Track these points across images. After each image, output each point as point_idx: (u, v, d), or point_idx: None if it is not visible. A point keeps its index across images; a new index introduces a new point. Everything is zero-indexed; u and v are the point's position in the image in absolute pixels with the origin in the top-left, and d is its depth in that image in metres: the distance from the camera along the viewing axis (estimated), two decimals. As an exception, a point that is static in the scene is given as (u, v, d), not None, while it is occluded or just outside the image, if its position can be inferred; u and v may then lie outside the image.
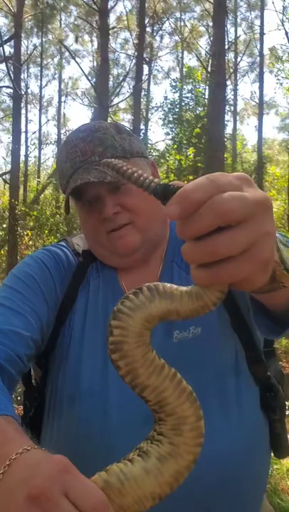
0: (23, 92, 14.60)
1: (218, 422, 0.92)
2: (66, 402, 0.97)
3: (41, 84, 20.05)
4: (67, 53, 20.64)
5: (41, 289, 1.00)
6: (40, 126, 19.54)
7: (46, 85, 22.07)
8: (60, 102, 21.66)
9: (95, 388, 0.95)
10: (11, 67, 10.16)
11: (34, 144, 19.69)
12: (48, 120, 22.26)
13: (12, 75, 10.46)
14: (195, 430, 0.51)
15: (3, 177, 11.94)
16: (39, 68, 19.72)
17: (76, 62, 14.85)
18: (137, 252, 1.01)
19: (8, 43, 10.93)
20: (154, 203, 1.00)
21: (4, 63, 9.35)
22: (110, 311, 0.95)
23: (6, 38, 10.26)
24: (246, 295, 0.98)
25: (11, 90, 11.53)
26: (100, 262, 1.07)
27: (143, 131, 14.90)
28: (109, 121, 10.43)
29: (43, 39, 19.05)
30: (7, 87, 12.48)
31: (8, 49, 11.44)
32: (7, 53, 10.88)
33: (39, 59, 19.47)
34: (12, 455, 0.55)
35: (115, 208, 0.97)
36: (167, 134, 14.49)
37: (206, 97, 13.52)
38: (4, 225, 13.88)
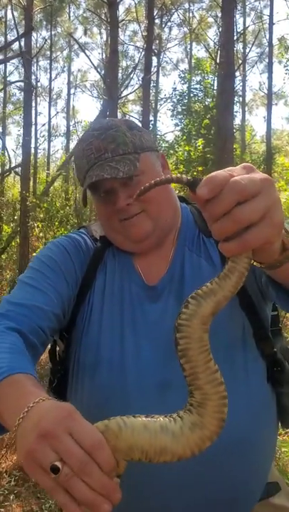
0: (36, 86, 14.74)
1: (230, 395, 1.02)
2: (88, 370, 1.07)
3: (51, 77, 20.13)
4: (76, 46, 20.70)
5: (62, 270, 1.11)
6: (49, 119, 19.65)
7: (56, 78, 22.17)
8: (69, 94, 21.75)
9: (114, 357, 1.04)
10: (21, 61, 10.26)
11: (43, 136, 19.81)
12: (58, 112, 22.37)
13: (25, 69, 10.57)
14: (217, 407, 0.63)
15: (15, 169, 12.02)
16: (48, 61, 19.77)
17: (86, 54, 14.93)
18: (149, 238, 1.10)
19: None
20: (164, 193, 1.12)
21: (21, 57, 9.44)
22: (125, 290, 1.10)
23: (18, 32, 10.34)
24: (257, 278, 1.06)
25: (22, 84, 11.63)
26: (116, 246, 1.17)
27: (152, 122, 14.91)
28: (118, 112, 10.48)
29: (52, 32, 19.08)
30: (19, 81, 12.55)
31: (17, 43, 11.52)
32: (17, 47, 10.99)
33: (48, 52, 19.50)
34: (30, 403, 0.68)
35: (128, 200, 1.06)
36: (176, 125, 14.54)
37: (215, 87, 13.53)
38: (15, 217, 14.02)
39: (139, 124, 1.21)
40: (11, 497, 3.14)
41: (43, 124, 20.07)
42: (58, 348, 1.19)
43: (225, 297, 0.63)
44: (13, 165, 16.31)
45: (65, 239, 1.19)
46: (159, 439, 0.59)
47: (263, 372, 1.08)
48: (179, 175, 0.66)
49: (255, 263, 0.75)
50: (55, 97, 21.12)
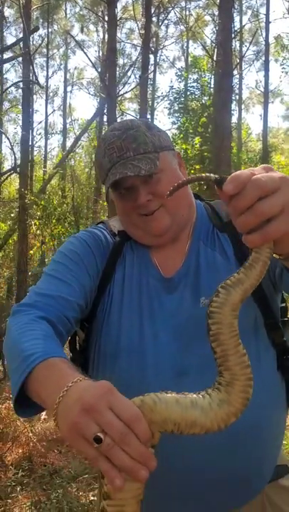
0: (39, 83, 14.71)
1: None
2: (109, 358, 1.12)
3: (47, 74, 20.11)
4: (72, 44, 20.70)
5: (84, 262, 1.17)
6: (46, 116, 19.64)
7: (52, 76, 22.10)
8: (65, 92, 21.75)
9: (134, 346, 1.10)
10: (20, 59, 10.28)
11: (40, 133, 19.82)
12: (54, 110, 22.36)
13: (28, 67, 10.57)
14: (244, 387, 0.70)
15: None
16: (45, 59, 19.78)
17: (84, 51, 14.94)
18: (168, 233, 1.16)
19: (16, 35, 11.02)
20: (180, 190, 1.18)
21: (28, 56, 9.45)
22: (143, 283, 1.17)
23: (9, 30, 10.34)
24: (270, 271, 1.11)
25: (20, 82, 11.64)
26: (134, 240, 1.23)
27: (149, 120, 14.96)
28: (117, 111, 10.51)
29: (49, 30, 19.08)
30: (21, 81, 12.53)
31: (12, 39, 11.54)
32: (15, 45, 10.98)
33: (45, 49, 19.51)
34: (69, 382, 0.75)
35: (148, 196, 1.12)
36: (173, 123, 14.60)
37: (212, 86, 13.58)
38: (12, 214, 14.02)
39: None
40: (18, 488, 3.22)
41: (40, 122, 20.10)
42: (77, 338, 1.25)
43: (251, 285, 0.70)
44: (8, 163, 16.31)
45: (86, 233, 1.25)
46: (189, 413, 0.66)
47: (274, 360, 1.14)
48: (207, 174, 0.74)
49: (274, 255, 0.81)
50: (51, 94, 21.13)
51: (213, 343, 0.70)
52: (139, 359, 1.08)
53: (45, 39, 18.85)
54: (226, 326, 0.70)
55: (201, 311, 1.08)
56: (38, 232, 13.62)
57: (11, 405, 1.18)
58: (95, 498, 3.05)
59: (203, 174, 0.74)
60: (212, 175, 0.73)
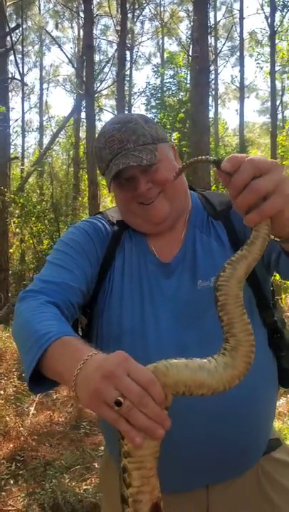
0: (23, 80, 14.56)
1: None
2: (112, 341, 1.17)
3: (23, 71, 19.93)
4: (47, 40, 20.56)
5: (85, 250, 1.23)
6: (23, 114, 19.49)
7: (28, 73, 21.91)
8: (41, 89, 21.60)
9: (136, 328, 1.16)
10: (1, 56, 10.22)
11: (16, 131, 19.66)
12: (31, 107, 22.18)
13: (16, 63, 10.46)
14: (247, 352, 0.78)
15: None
16: (20, 56, 19.58)
17: (60, 48, 14.86)
18: (167, 220, 1.22)
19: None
20: (178, 178, 1.25)
21: (12, 52, 9.38)
22: (142, 268, 1.24)
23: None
24: (264, 257, 1.18)
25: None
26: (131, 229, 1.29)
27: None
28: (95, 107, 10.51)
29: (23, 26, 18.89)
30: (12, 78, 12.38)
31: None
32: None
33: (20, 46, 19.32)
34: (85, 356, 0.83)
35: (147, 185, 1.18)
36: (151, 119, 14.64)
37: (188, 81, 13.67)
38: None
39: None
40: (12, 481, 3.26)
41: (16, 119, 19.92)
42: (79, 324, 1.30)
43: (254, 259, 0.79)
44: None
45: (85, 223, 1.31)
46: (198, 375, 0.73)
47: (265, 338, 1.22)
48: (206, 156, 0.85)
49: (274, 237, 0.90)
50: (27, 92, 20.96)
51: (220, 312, 0.78)
52: (142, 340, 1.14)
53: (20, 36, 18.70)
54: (232, 296, 0.77)
55: (198, 294, 1.17)
56: (18, 230, 13.55)
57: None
58: (89, 487, 3.12)
59: (203, 157, 0.83)
60: (210, 157, 0.83)
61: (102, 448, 3.56)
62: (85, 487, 3.13)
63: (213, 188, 9.97)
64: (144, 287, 1.21)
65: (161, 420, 0.73)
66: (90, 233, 1.27)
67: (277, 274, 1.29)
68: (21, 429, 3.83)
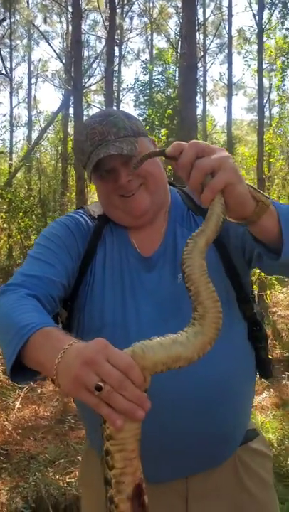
0: (7, 74, 14.44)
1: (216, 347, 1.18)
2: (93, 333, 1.15)
3: (11, 66, 19.76)
4: (36, 35, 20.40)
5: (66, 244, 1.25)
6: (11, 109, 19.32)
7: (16, 67, 21.73)
8: (30, 84, 21.42)
9: (117, 320, 1.18)
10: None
11: (5, 126, 19.51)
12: (19, 102, 22.02)
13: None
14: (214, 318, 0.81)
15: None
16: (8, 50, 19.40)
17: (48, 42, 14.77)
18: (148, 213, 1.25)
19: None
20: (157, 169, 1.29)
21: None
22: (124, 262, 1.28)
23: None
24: (246, 251, 1.21)
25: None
26: (112, 223, 1.31)
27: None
28: (83, 103, 10.47)
29: (11, 19, 18.73)
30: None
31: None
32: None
33: (8, 40, 19.15)
34: (66, 345, 0.85)
35: (128, 177, 1.20)
36: (139, 115, 14.62)
37: (177, 78, 13.67)
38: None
39: None
40: (-5, 475, 3.28)
41: (4, 115, 19.76)
42: (59, 318, 1.32)
43: (212, 232, 0.87)
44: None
45: (67, 218, 1.33)
46: (173, 351, 0.76)
47: (244, 331, 1.25)
48: (157, 149, 0.98)
49: (238, 222, 1.00)
50: (16, 86, 20.80)
51: (187, 283, 0.83)
52: (123, 332, 1.16)
53: (8, 29, 18.54)
54: (197, 267, 0.83)
55: (179, 287, 1.18)
56: (5, 225, 13.46)
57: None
58: (72, 481, 3.15)
59: (154, 150, 0.98)
60: (158, 150, 0.97)
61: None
62: (68, 480, 3.16)
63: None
64: (125, 281, 1.23)
65: (141, 402, 0.76)
66: (72, 228, 1.29)
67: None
68: (6, 423, 3.84)
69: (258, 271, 6.87)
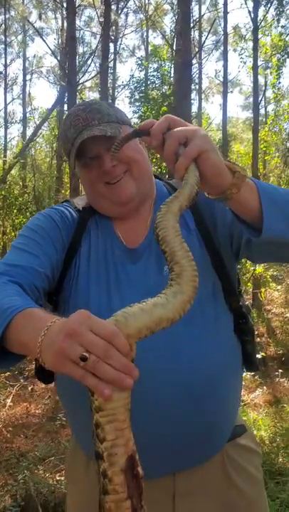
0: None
1: (203, 339, 1.16)
2: None
3: (6, 62, 19.65)
4: (30, 31, 20.30)
5: (50, 236, 1.23)
6: (5, 105, 19.23)
7: (11, 63, 21.62)
8: (24, 80, 21.31)
9: (103, 312, 1.17)
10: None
11: (-1, 122, 19.43)
12: (14, 99, 21.90)
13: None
14: (191, 276, 0.81)
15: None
16: (3, 46, 19.31)
17: (43, 39, 14.71)
18: (133, 201, 1.24)
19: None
20: (141, 156, 1.29)
21: None
22: (109, 254, 1.25)
23: None
24: (234, 241, 1.21)
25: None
26: (98, 215, 1.30)
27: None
28: (77, 99, 10.44)
29: (6, 16, 18.63)
30: None
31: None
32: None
33: (2, 36, 19.06)
34: (48, 323, 0.83)
35: (113, 162, 1.19)
36: (134, 112, 14.56)
37: (172, 75, 13.62)
38: None
39: None
40: (-16, 474, 3.25)
41: (-1, 111, 19.66)
42: None
43: (185, 200, 0.89)
44: None
45: (51, 210, 1.31)
46: (155, 314, 0.75)
47: (231, 323, 1.24)
48: (130, 132, 1.02)
49: (218, 197, 1.00)
50: (10, 83, 20.67)
51: (162, 245, 0.84)
52: None
53: (2, 25, 18.46)
54: (170, 228, 0.85)
55: (165, 279, 1.18)
56: (-1, 222, 13.43)
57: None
58: (62, 478, 3.12)
59: (128, 133, 1.02)
60: (132, 131, 1.02)
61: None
62: (58, 478, 3.14)
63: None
64: (110, 272, 1.21)
65: (129, 370, 0.74)
66: (56, 220, 1.27)
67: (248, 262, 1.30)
68: (-4, 420, 3.82)
69: (252, 268, 6.87)
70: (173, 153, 0.91)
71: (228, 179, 0.96)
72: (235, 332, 1.25)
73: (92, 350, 0.72)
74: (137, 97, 14.54)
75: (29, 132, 19.60)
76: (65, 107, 15.97)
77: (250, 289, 7.48)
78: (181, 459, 1.17)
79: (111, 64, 16.18)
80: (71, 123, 1.22)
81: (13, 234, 12.89)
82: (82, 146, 1.19)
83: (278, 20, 12.93)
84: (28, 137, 18.24)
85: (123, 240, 1.26)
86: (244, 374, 1.38)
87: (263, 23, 12.43)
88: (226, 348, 1.21)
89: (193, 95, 15.25)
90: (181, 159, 0.90)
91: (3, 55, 19.39)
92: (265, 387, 4.82)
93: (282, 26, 13.26)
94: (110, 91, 16.46)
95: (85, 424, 1.20)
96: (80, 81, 13.40)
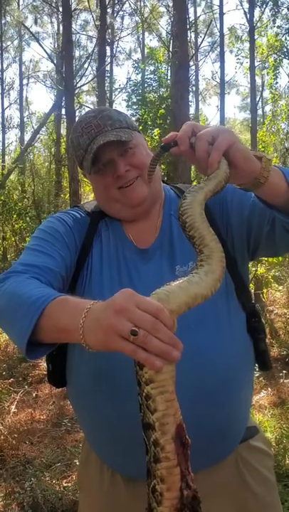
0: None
1: (216, 337, 1.17)
2: None
3: (2, 67, 19.68)
4: (26, 35, 20.32)
5: (63, 237, 1.26)
6: (2, 110, 19.26)
7: (7, 68, 21.61)
8: (21, 85, 21.31)
9: None
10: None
11: (-4, 128, 19.42)
12: (11, 104, 21.91)
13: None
14: (220, 257, 0.88)
15: None
16: (-1, 51, 19.30)
17: (39, 43, 14.72)
18: (145, 203, 1.27)
19: None
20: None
21: None
22: (120, 255, 1.26)
23: None
24: (253, 233, 1.23)
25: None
26: (107, 218, 1.32)
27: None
28: (75, 103, 10.44)
29: (2, 21, 18.65)
30: None
31: None
32: None
33: (-2, 41, 19.06)
34: (88, 305, 0.87)
35: (126, 167, 1.23)
36: (132, 115, 14.56)
37: (169, 77, 13.62)
38: None
39: None
40: (-9, 481, 3.22)
41: (-4, 116, 19.64)
42: None
43: (210, 189, 0.94)
44: None
45: (63, 213, 1.34)
46: (191, 291, 0.81)
47: (243, 322, 1.25)
48: (156, 152, 1.05)
49: (250, 186, 1.04)
50: (7, 88, 20.67)
51: (190, 231, 0.90)
52: None
53: (-1, 31, 18.47)
54: (198, 215, 0.91)
55: (176, 278, 1.19)
56: (-1, 227, 13.42)
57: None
58: (69, 485, 3.10)
59: (156, 151, 1.05)
60: (159, 150, 1.04)
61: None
62: (65, 485, 3.12)
63: (195, 183, 10.01)
64: (122, 273, 1.23)
65: (175, 343, 0.78)
66: (68, 222, 1.30)
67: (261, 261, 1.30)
68: (1, 427, 3.79)
69: (254, 269, 6.86)
70: (205, 152, 0.96)
71: (258, 164, 1.01)
72: (247, 331, 1.26)
73: (141, 325, 0.76)
74: (135, 99, 14.54)
75: (27, 137, 19.66)
76: (63, 111, 15.99)
77: (252, 290, 7.47)
78: (196, 459, 1.16)
79: (108, 67, 16.17)
80: (83, 130, 1.24)
81: (13, 239, 12.90)
82: (96, 152, 1.21)
83: (274, 21, 12.95)
84: (26, 142, 18.28)
85: (134, 242, 1.28)
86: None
87: (258, 24, 12.44)
88: (239, 346, 1.22)
89: (191, 97, 15.22)
90: (213, 154, 0.94)
91: (0, 61, 19.39)
92: (269, 389, 4.80)
93: (278, 26, 13.27)
94: (107, 94, 16.46)
95: (102, 424, 1.20)
96: (77, 85, 13.39)
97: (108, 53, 16.27)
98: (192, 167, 9.38)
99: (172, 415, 0.78)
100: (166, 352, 0.76)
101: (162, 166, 9.06)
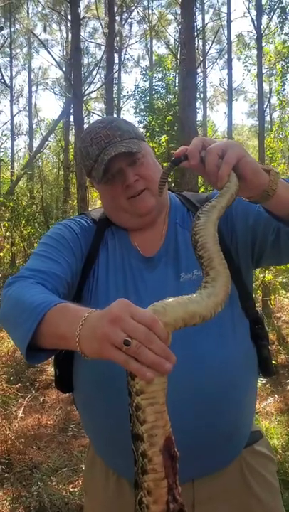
0: (5, 82, 14.47)
1: (219, 344, 1.18)
2: None
3: (11, 74, 19.85)
4: (35, 43, 20.50)
5: (70, 244, 1.27)
6: (12, 117, 19.39)
7: (16, 76, 21.81)
8: (30, 92, 21.50)
9: None
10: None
11: (6, 134, 19.58)
12: (20, 111, 22.08)
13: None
14: (225, 282, 0.88)
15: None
16: (8, 59, 19.50)
17: (48, 51, 14.86)
18: (152, 213, 1.29)
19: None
20: (158, 174, 1.30)
21: None
22: (126, 263, 1.27)
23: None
24: (257, 243, 1.24)
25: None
26: (114, 226, 1.34)
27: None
28: (83, 110, 10.50)
29: (11, 29, 18.85)
30: None
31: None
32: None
33: (7, 49, 19.25)
34: (85, 313, 0.88)
35: (135, 177, 1.25)
36: (140, 122, 14.63)
37: (177, 84, 13.68)
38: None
39: None
40: (-2, 485, 3.24)
41: (5, 123, 19.82)
42: None
43: (223, 207, 0.95)
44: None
45: (70, 221, 1.36)
46: (190, 308, 0.81)
47: (247, 328, 1.26)
48: (166, 166, 1.06)
49: (258, 198, 1.05)
50: (16, 95, 20.85)
51: (200, 251, 0.91)
52: None
53: (8, 38, 18.64)
54: (210, 236, 0.91)
55: (182, 286, 1.22)
56: (8, 234, 13.49)
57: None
58: (75, 490, 3.11)
59: (167, 166, 1.05)
60: (169, 164, 1.05)
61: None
62: (71, 489, 3.13)
63: (202, 190, 10.00)
64: (128, 281, 1.25)
65: (168, 355, 0.78)
66: (75, 229, 1.32)
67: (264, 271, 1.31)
68: (8, 432, 3.81)
69: (261, 275, 6.85)
70: (215, 165, 0.97)
71: (266, 177, 1.02)
72: (251, 337, 1.27)
73: (134, 335, 0.76)
74: (142, 106, 14.61)
75: (36, 144, 19.78)
76: (71, 118, 16.07)
77: (260, 297, 7.44)
78: (201, 464, 1.18)
79: (116, 74, 16.27)
80: (92, 140, 1.26)
81: (21, 245, 12.95)
82: (107, 164, 1.23)
83: (282, 28, 13.00)
84: (35, 149, 18.39)
85: (140, 250, 1.30)
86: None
87: (266, 31, 12.48)
88: (242, 352, 1.23)
89: (198, 104, 15.25)
90: (223, 167, 0.96)
91: (9, 68, 19.59)
92: (276, 396, 4.78)
93: (286, 33, 13.32)
94: (116, 101, 16.54)
95: (103, 428, 1.22)
96: (86, 92, 13.47)
97: (116, 61, 16.41)
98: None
99: (161, 427, 0.77)
100: (158, 363, 0.76)
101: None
